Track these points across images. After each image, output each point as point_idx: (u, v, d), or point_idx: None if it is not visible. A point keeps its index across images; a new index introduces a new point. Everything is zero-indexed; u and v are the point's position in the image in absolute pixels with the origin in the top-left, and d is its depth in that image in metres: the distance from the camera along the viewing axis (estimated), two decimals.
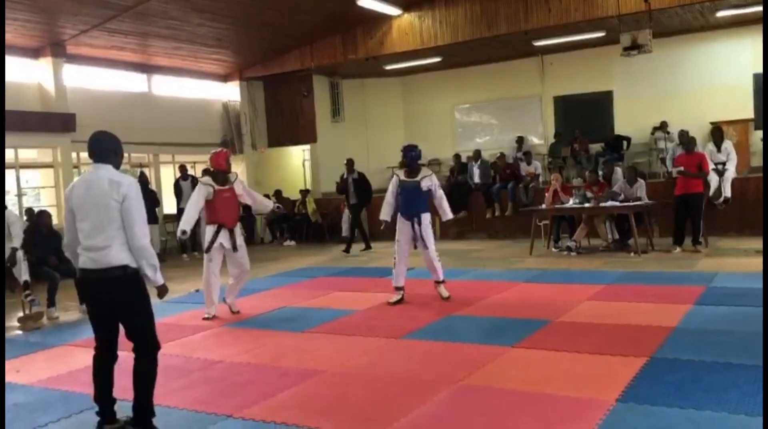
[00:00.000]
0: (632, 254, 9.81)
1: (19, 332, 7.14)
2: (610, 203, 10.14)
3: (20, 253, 7.51)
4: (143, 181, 12.09)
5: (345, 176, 12.48)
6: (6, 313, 7.56)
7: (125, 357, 3.93)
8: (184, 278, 9.79)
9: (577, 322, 5.99)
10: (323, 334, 6.14)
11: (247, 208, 10.55)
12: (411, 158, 7.25)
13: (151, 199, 11.56)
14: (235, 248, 6.96)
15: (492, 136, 16.31)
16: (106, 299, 3.80)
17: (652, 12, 11.31)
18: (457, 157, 14.53)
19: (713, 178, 10.74)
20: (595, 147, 14.17)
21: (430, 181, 7.23)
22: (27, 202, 12.09)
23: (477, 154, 14.03)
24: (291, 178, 16.72)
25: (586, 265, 9.26)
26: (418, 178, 7.19)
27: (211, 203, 6.94)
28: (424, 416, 3.94)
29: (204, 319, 6.98)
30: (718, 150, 10.91)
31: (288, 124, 16.35)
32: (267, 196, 11.28)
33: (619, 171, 11.30)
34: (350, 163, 12.40)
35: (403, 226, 7.21)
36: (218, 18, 12.08)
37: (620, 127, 14.49)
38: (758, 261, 8.33)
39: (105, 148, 3.85)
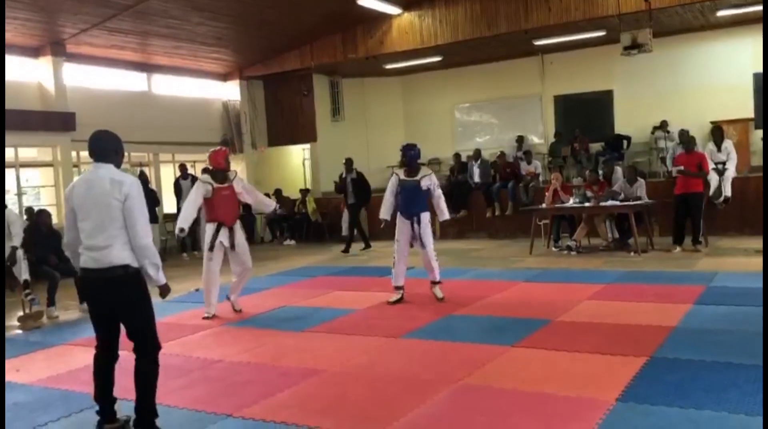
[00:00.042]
0: (632, 254, 9.81)
1: (19, 331, 7.14)
2: (610, 203, 10.14)
3: (20, 252, 7.51)
4: (143, 180, 12.05)
5: (344, 176, 12.46)
6: (6, 312, 7.56)
7: (126, 356, 3.93)
8: (184, 277, 9.79)
9: (577, 321, 5.99)
10: (323, 334, 6.14)
11: (247, 207, 10.54)
12: (410, 157, 7.24)
13: (151, 199, 11.53)
14: (233, 246, 6.96)
15: (492, 135, 16.29)
16: (107, 299, 3.80)
17: (652, 11, 11.32)
18: (457, 156, 14.52)
19: (713, 178, 10.73)
20: (595, 146, 14.16)
21: (429, 180, 7.22)
22: (27, 201, 12.11)
23: (477, 154, 14.02)
24: (291, 177, 16.71)
25: (586, 265, 9.26)
26: (417, 178, 7.19)
27: (210, 201, 6.95)
28: (423, 415, 3.94)
29: (204, 318, 6.98)
30: (719, 149, 10.90)
31: (288, 123, 16.34)
32: (267, 195, 11.24)
33: (619, 170, 11.30)
34: (349, 163, 12.38)
35: (402, 226, 7.20)
36: (218, 17, 12.08)
37: (620, 127, 14.48)
38: (758, 260, 8.33)
39: (106, 148, 3.85)
